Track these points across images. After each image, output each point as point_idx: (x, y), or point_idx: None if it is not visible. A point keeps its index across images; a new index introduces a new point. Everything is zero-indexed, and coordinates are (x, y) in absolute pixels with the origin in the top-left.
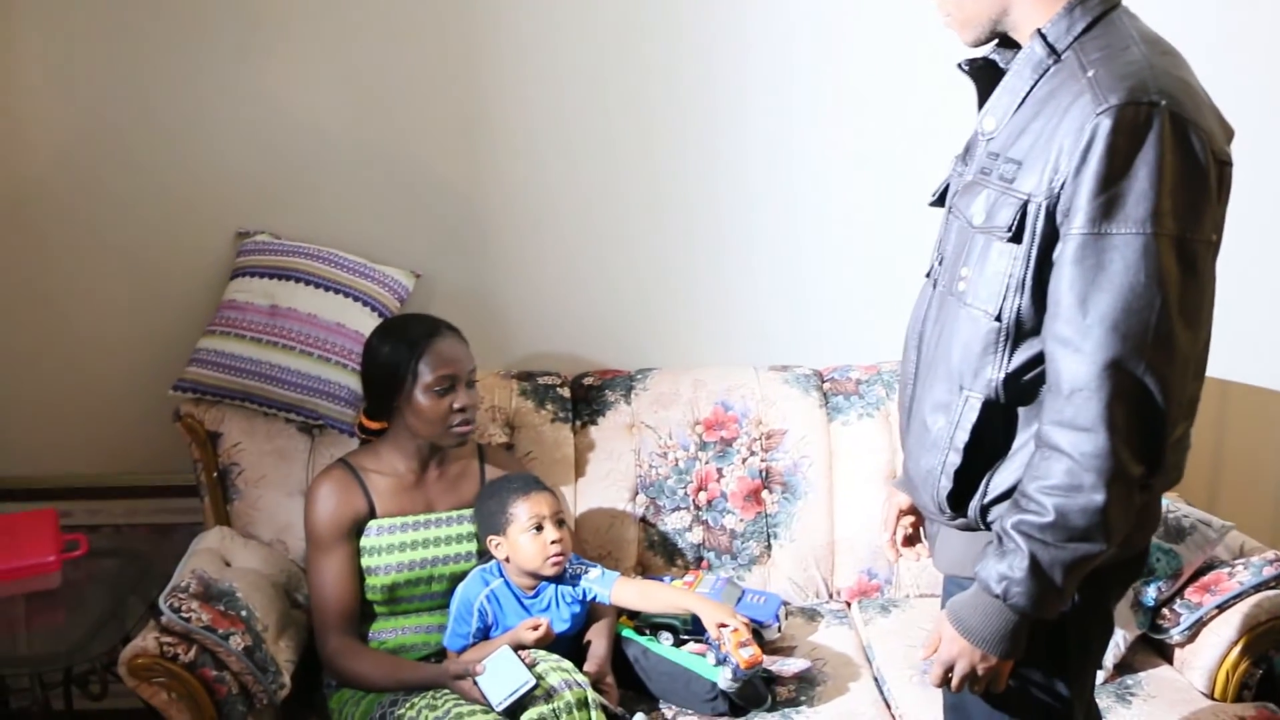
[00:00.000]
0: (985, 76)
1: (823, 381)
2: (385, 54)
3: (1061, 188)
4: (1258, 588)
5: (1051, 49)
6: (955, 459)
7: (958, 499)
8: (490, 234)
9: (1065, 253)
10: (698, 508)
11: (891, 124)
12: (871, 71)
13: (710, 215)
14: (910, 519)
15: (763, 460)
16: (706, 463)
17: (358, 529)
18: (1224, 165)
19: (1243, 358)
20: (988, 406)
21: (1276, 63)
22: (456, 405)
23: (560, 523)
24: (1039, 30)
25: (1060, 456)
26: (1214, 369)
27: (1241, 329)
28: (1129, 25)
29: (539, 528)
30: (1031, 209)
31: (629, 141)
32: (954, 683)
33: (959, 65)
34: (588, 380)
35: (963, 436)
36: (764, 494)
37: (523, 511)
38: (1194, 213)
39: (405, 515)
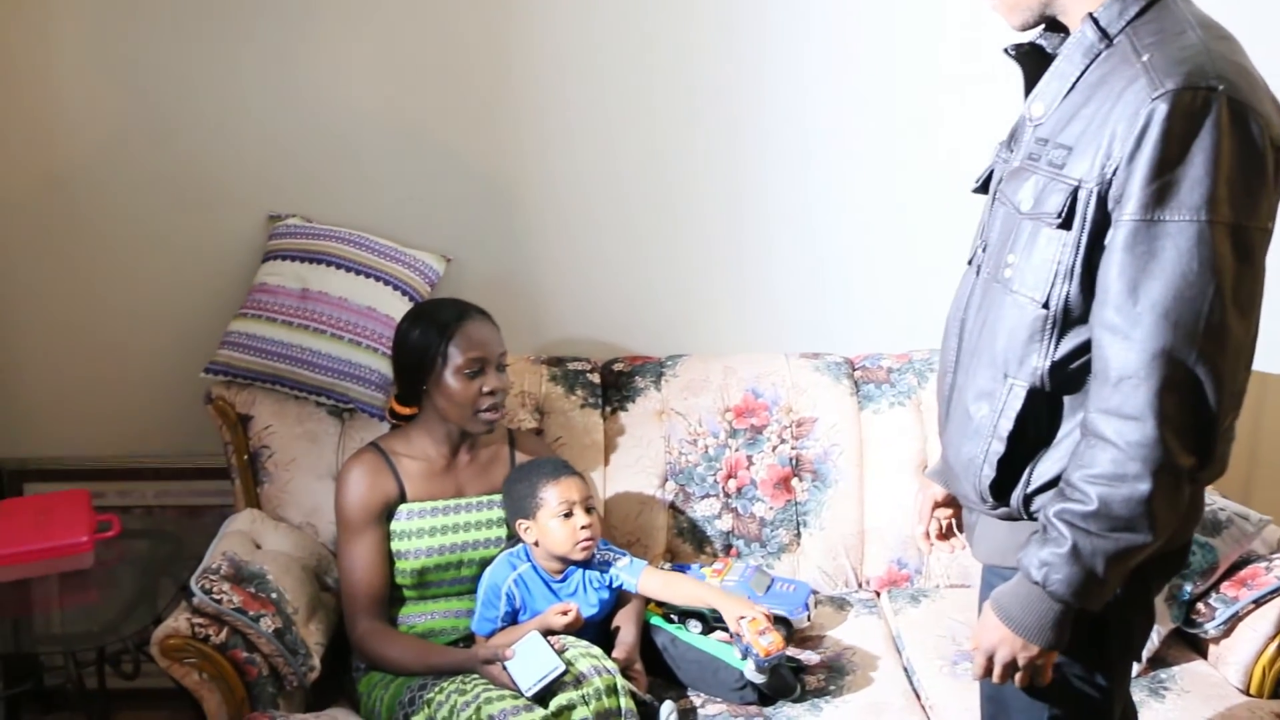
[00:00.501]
0: (1032, 62)
1: (854, 369)
2: (417, 38)
3: (1114, 173)
4: None
5: (1104, 33)
6: (999, 447)
7: (1000, 488)
8: (520, 219)
9: (1117, 239)
10: (727, 495)
11: (921, 110)
12: (900, 57)
13: (740, 202)
14: (946, 511)
15: (793, 448)
16: (736, 450)
17: (388, 513)
18: None
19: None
20: (1032, 394)
21: None
22: (486, 389)
23: (590, 508)
24: (1090, 14)
25: (1106, 445)
26: (1256, 359)
27: None
28: (1184, 9)
29: (568, 513)
30: (1082, 195)
31: (660, 129)
32: (996, 673)
33: (1005, 50)
34: (618, 366)
35: (1007, 425)
36: (794, 482)
37: (552, 496)
38: (1251, 200)
39: (435, 500)
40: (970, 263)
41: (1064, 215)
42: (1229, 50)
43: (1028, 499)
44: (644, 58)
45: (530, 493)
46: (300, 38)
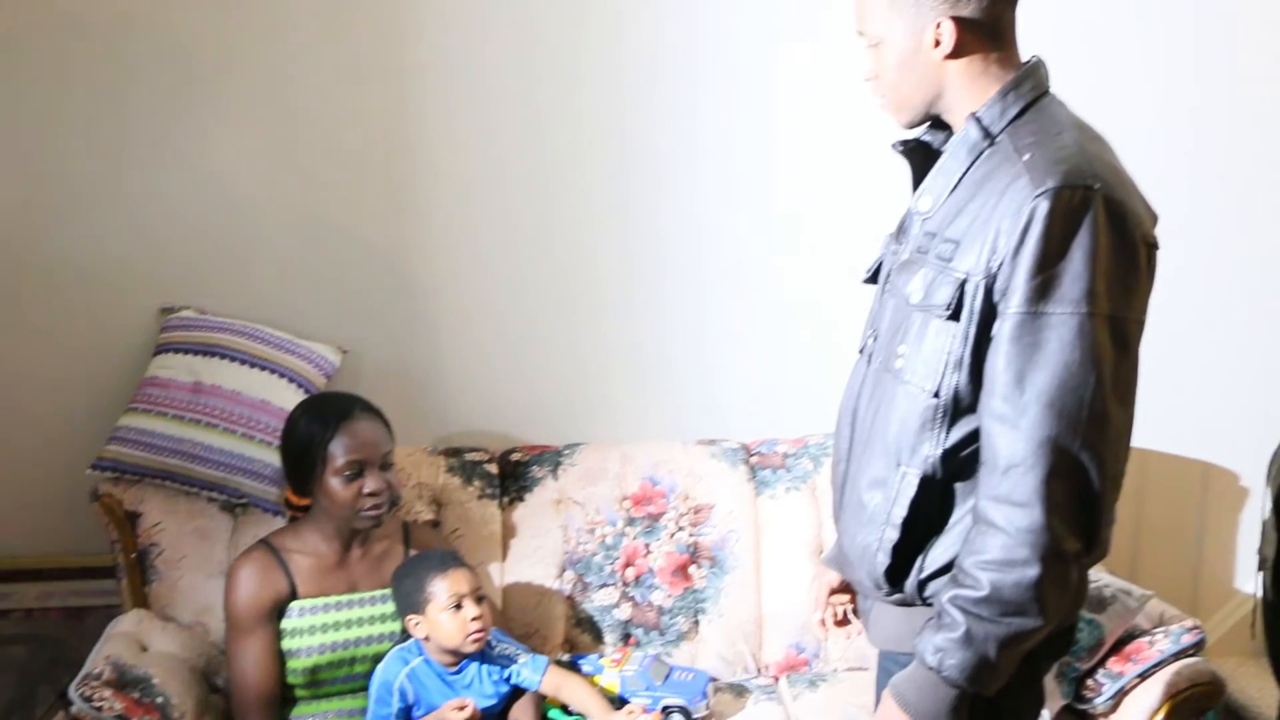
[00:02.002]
0: (918, 157)
1: (750, 455)
2: (314, 128)
3: (999, 267)
4: (1177, 655)
5: (986, 132)
6: (893, 534)
7: (895, 574)
8: (419, 310)
9: (1003, 330)
10: (625, 584)
11: (815, 202)
12: (794, 148)
13: (636, 291)
14: (842, 597)
15: (691, 535)
16: (634, 538)
17: (279, 611)
18: (1151, 248)
19: (1162, 428)
20: (925, 482)
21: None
22: (366, 490)
23: (480, 599)
24: (974, 114)
25: (996, 531)
26: (1134, 439)
27: (1162, 400)
28: (1059, 111)
29: (458, 605)
30: (970, 288)
31: (557, 220)
32: None
33: (893, 146)
34: (515, 456)
35: (900, 512)
36: (692, 569)
37: (441, 589)
38: (1126, 294)
39: (328, 596)
40: (861, 352)
41: (952, 307)
42: (1101, 150)
43: (922, 584)
44: (541, 149)
45: (418, 587)
46: (194, 123)
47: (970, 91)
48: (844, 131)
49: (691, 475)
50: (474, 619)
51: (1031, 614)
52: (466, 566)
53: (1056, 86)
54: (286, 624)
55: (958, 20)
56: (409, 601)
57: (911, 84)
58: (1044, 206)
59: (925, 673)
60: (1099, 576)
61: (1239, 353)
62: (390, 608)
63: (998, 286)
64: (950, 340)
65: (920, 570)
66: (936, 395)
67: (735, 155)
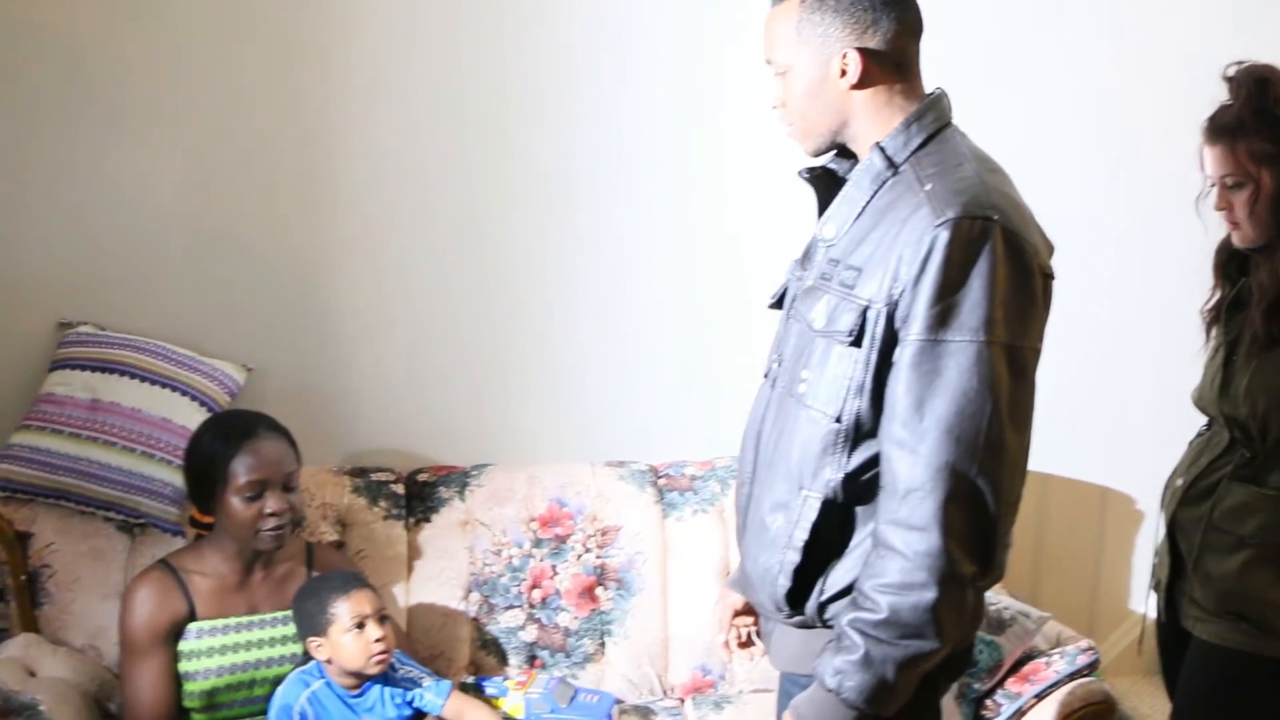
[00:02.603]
0: (823, 185)
1: (658, 477)
2: (219, 141)
3: (901, 295)
4: (1072, 675)
5: (890, 162)
6: (794, 557)
7: (795, 597)
8: (327, 327)
9: (904, 357)
10: (532, 606)
11: (720, 225)
12: (700, 175)
13: (546, 311)
14: (746, 619)
15: (598, 557)
16: (541, 560)
17: (176, 632)
18: (1048, 278)
19: (1063, 453)
20: (826, 506)
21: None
22: (267, 510)
23: (383, 620)
24: (878, 144)
25: (894, 555)
26: (1035, 463)
27: (1063, 425)
28: (961, 142)
29: (361, 626)
30: (871, 314)
31: (467, 238)
32: None
33: (799, 173)
34: (422, 476)
35: (801, 535)
36: (598, 591)
37: (344, 610)
38: (1023, 322)
39: (227, 617)
40: (766, 376)
41: (855, 334)
42: (1000, 182)
43: (822, 607)
44: (453, 169)
45: (321, 608)
46: (95, 134)
47: (875, 121)
48: (753, 157)
49: (599, 497)
50: (377, 640)
51: (929, 636)
52: (369, 587)
53: (959, 118)
54: (184, 646)
55: (863, 51)
56: (311, 623)
57: (817, 112)
58: (944, 236)
59: (824, 694)
60: (998, 599)
61: (1135, 379)
62: (291, 630)
63: (899, 314)
64: (852, 366)
65: (821, 593)
66: (838, 420)
67: (652, 179)
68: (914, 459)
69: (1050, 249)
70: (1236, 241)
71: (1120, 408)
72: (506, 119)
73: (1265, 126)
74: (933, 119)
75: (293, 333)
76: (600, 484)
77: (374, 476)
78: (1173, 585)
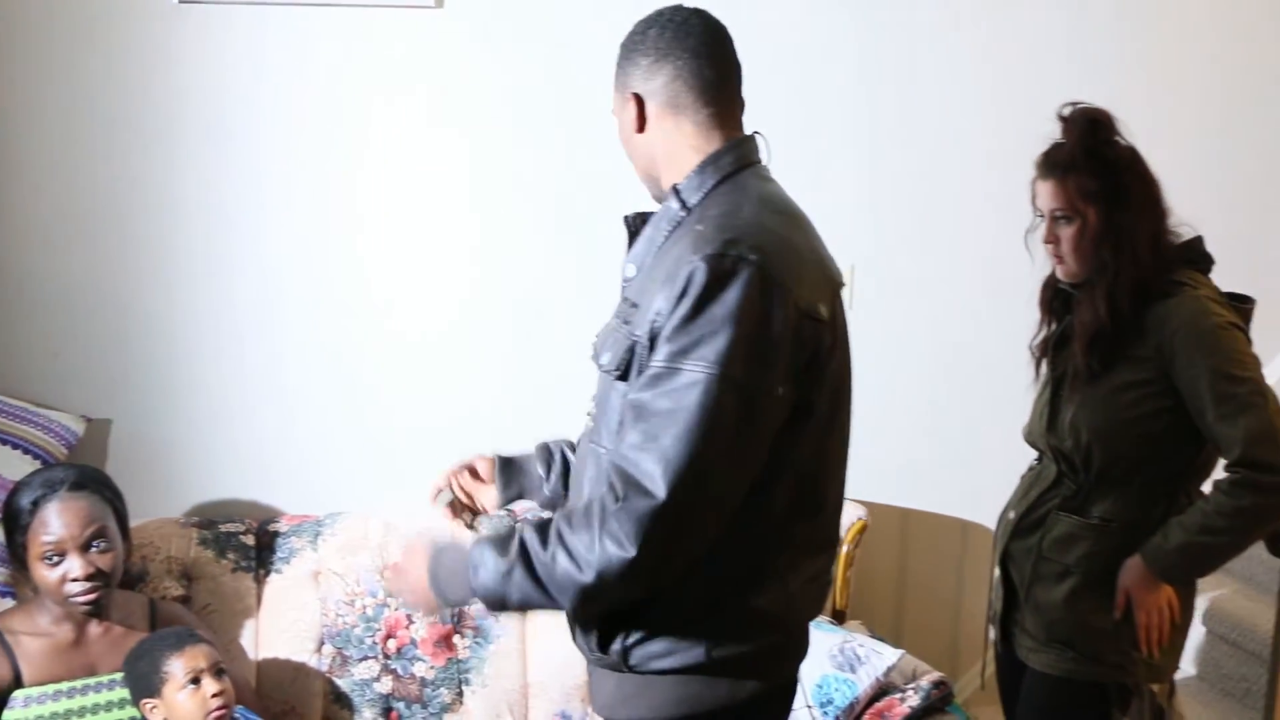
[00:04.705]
0: (639, 228)
1: (515, 521)
2: (57, 185)
3: (659, 328)
4: (925, 710)
5: (684, 203)
6: None
7: (601, 640)
8: (175, 375)
9: (641, 380)
10: (387, 656)
11: (550, 289)
12: (519, 233)
13: (398, 362)
14: (479, 485)
15: None
16: (396, 609)
17: (0, 701)
18: (813, 321)
19: (922, 486)
20: None
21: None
22: (70, 576)
23: (220, 673)
24: (674, 185)
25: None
26: (896, 497)
27: (922, 459)
28: (754, 186)
29: (196, 681)
30: (639, 349)
31: (314, 291)
32: None
33: (624, 218)
34: (274, 526)
35: None
36: (455, 639)
37: (178, 667)
38: (762, 365)
39: (59, 681)
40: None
41: (621, 369)
42: (779, 225)
43: (626, 652)
44: (296, 221)
45: (152, 668)
46: None
47: (672, 165)
48: (583, 210)
49: None
50: (214, 695)
51: (550, 604)
52: (205, 641)
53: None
54: (8, 715)
55: (639, 96)
56: (144, 685)
57: (634, 157)
58: (701, 269)
59: (464, 566)
60: (854, 636)
61: (993, 413)
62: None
63: (655, 343)
64: (622, 400)
65: (625, 637)
66: None
67: (472, 232)
68: (636, 472)
69: (835, 288)
70: (1061, 275)
71: (977, 442)
72: (321, 171)
73: (1095, 165)
74: (730, 161)
75: (142, 380)
76: (457, 530)
77: (223, 528)
78: (1007, 616)
